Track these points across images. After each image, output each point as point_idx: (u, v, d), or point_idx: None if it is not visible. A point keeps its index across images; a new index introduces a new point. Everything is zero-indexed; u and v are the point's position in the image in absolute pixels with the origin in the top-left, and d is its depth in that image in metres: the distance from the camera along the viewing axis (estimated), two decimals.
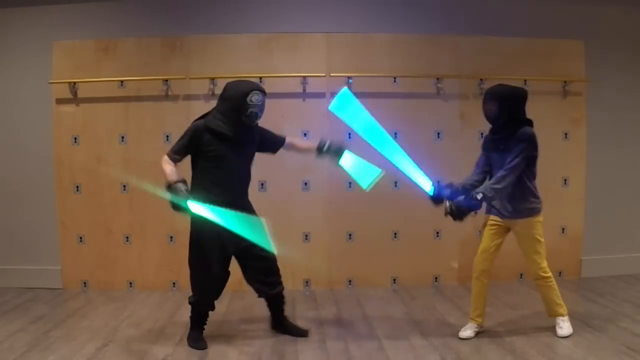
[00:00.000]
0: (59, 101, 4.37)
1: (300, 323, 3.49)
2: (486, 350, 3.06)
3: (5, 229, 4.48)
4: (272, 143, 3.34)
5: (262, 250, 3.13)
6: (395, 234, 4.49)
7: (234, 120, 3.03)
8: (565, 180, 4.51)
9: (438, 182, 3.18)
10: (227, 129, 3.02)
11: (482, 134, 4.45)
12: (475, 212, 3.06)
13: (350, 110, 3.15)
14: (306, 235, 4.40)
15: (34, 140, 4.41)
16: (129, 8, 4.39)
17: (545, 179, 4.39)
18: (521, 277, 4.60)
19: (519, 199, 3.11)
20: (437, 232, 4.52)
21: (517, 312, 3.74)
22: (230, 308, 3.95)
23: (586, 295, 4.04)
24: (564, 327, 3.23)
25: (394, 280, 4.52)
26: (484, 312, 3.31)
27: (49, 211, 4.41)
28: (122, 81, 4.33)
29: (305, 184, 4.42)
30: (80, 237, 4.43)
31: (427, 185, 3.15)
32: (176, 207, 2.92)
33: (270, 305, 3.36)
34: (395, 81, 4.40)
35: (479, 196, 2.96)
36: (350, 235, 4.47)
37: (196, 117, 4.29)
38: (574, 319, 3.36)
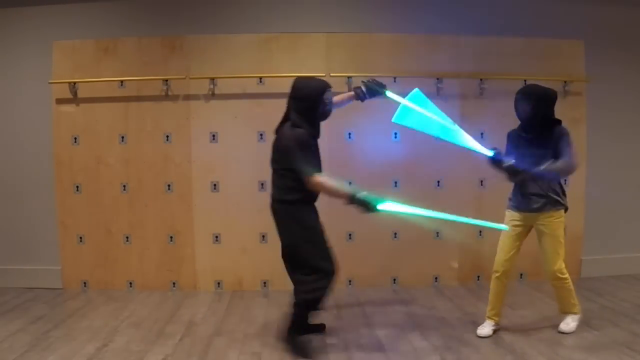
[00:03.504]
0: (59, 101, 4.37)
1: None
2: (486, 350, 3.06)
3: (5, 229, 4.49)
4: None
5: None
6: (395, 234, 4.49)
7: (312, 119, 2.98)
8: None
9: (497, 148, 3.24)
10: (315, 130, 3.01)
11: (482, 134, 4.49)
12: (533, 176, 3.09)
13: (417, 111, 3.26)
14: None
15: (34, 140, 4.41)
16: (129, 8, 4.39)
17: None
18: (521, 277, 4.60)
19: (549, 192, 3.16)
20: (437, 232, 4.52)
21: (517, 312, 3.74)
22: (230, 308, 3.95)
23: (586, 295, 4.03)
24: (571, 324, 3.26)
25: (394, 280, 4.52)
26: (501, 310, 3.34)
27: (49, 211, 4.41)
28: (122, 81, 4.33)
29: None
30: (80, 237, 4.43)
31: (487, 151, 3.22)
32: (368, 210, 2.85)
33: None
34: (395, 81, 4.39)
35: (541, 167, 3.01)
36: (350, 235, 4.46)
37: (196, 117, 4.36)
38: (572, 319, 3.36)
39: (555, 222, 3.19)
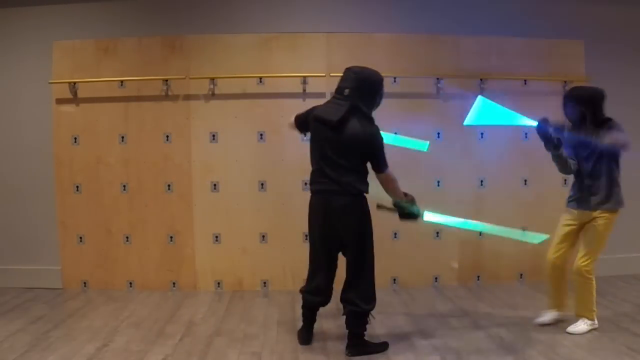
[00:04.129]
0: (59, 101, 4.37)
1: (301, 323, 3.48)
2: (486, 350, 3.06)
3: (5, 229, 4.49)
4: None
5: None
6: (395, 234, 4.49)
7: (371, 110, 2.98)
8: (565, 180, 4.50)
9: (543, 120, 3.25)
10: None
11: (482, 134, 4.49)
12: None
13: (486, 114, 3.33)
14: (306, 236, 4.39)
15: (34, 140, 4.41)
16: (129, 8, 4.39)
17: (545, 179, 4.42)
18: (521, 277, 4.60)
19: (607, 189, 3.19)
20: (437, 232, 4.52)
21: (517, 312, 3.74)
22: (230, 308, 3.95)
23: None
24: (580, 326, 3.26)
25: (394, 280, 4.52)
26: (564, 302, 3.39)
27: (49, 211, 4.41)
28: (122, 81, 4.33)
29: (306, 184, 4.41)
30: (80, 237, 4.43)
31: (532, 122, 3.28)
32: (409, 218, 3.12)
33: (313, 314, 3.27)
34: (395, 81, 4.39)
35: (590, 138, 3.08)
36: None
37: (196, 117, 4.36)
38: (573, 318, 3.36)
39: (604, 223, 3.21)
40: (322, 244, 3.08)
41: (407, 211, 3.09)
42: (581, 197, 3.28)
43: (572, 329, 3.26)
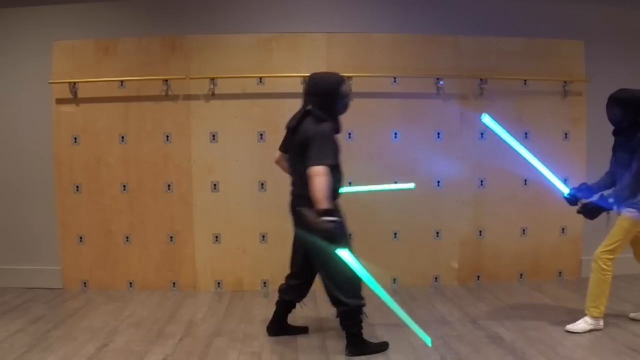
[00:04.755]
0: (59, 101, 4.37)
1: (301, 323, 3.49)
2: (486, 350, 3.06)
3: (5, 229, 4.49)
4: None
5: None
6: (395, 234, 4.49)
7: (332, 113, 2.97)
8: (565, 180, 4.49)
9: (575, 188, 3.44)
10: (337, 125, 2.99)
11: (482, 134, 4.49)
12: (608, 212, 3.27)
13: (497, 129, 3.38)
14: None
15: (34, 140, 4.41)
16: (129, 8, 4.39)
17: (544, 179, 4.40)
18: (521, 277, 4.60)
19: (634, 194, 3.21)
20: (437, 232, 4.52)
21: (517, 312, 3.74)
22: (230, 308, 3.95)
23: (586, 295, 4.03)
24: (580, 326, 3.26)
25: (394, 280, 4.52)
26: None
27: (49, 211, 4.41)
28: (122, 81, 4.33)
29: None
30: (80, 237, 4.43)
31: (563, 188, 3.41)
32: (326, 238, 2.76)
33: (281, 308, 3.32)
34: (395, 81, 4.40)
35: (611, 199, 3.19)
36: (350, 235, 4.45)
37: (196, 117, 4.36)
38: (574, 318, 3.36)
39: (623, 219, 3.26)
40: (293, 243, 3.24)
41: (327, 230, 2.72)
42: None
43: (571, 327, 3.26)
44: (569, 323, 3.32)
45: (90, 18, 4.36)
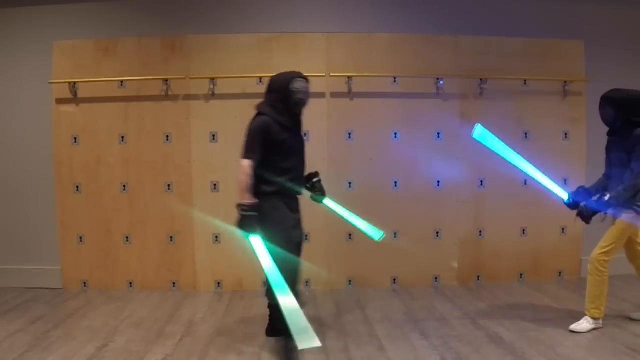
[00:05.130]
0: (59, 101, 4.37)
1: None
2: (486, 350, 3.06)
3: (5, 229, 4.49)
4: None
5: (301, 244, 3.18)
6: (395, 234, 4.49)
7: (283, 109, 3.03)
8: (565, 180, 4.50)
9: (572, 192, 3.45)
10: (285, 119, 3.03)
11: None
12: (605, 214, 3.25)
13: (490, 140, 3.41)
14: (306, 236, 4.39)
15: (34, 140, 4.41)
16: (129, 8, 4.39)
17: (544, 185, 4.41)
18: (521, 277, 4.60)
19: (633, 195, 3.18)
20: (437, 232, 4.52)
21: (517, 312, 3.74)
22: (230, 308, 3.95)
23: (585, 297, 4.03)
24: (583, 326, 3.26)
25: (394, 280, 4.52)
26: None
27: (49, 211, 4.41)
28: (122, 81, 4.33)
29: None
30: (80, 237, 4.43)
31: (563, 194, 3.42)
32: (240, 228, 2.88)
33: (273, 310, 3.30)
34: (395, 81, 4.40)
35: (611, 201, 3.14)
36: (350, 235, 4.46)
37: (196, 117, 4.36)
38: (574, 318, 3.36)
39: (620, 222, 3.25)
40: None
41: (241, 220, 2.87)
42: None
43: (575, 327, 3.27)
44: (569, 323, 3.33)
45: (90, 18, 4.36)
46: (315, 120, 4.34)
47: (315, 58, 4.36)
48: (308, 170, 3.26)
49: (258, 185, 3.00)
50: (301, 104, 3.07)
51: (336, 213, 3.36)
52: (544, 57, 4.50)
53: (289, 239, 3.02)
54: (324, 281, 4.45)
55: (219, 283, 4.44)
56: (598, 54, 4.53)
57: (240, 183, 2.93)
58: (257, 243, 2.86)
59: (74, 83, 4.31)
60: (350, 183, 4.43)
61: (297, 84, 3.02)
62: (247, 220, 2.87)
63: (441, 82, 4.39)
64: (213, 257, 4.42)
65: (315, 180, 3.30)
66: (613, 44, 4.59)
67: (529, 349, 3.04)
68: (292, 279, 2.96)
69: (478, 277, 4.57)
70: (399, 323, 3.57)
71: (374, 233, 3.34)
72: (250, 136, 2.99)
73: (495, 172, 4.48)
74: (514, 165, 3.40)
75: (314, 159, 4.38)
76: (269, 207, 3.00)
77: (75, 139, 4.38)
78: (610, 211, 3.23)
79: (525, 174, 3.45)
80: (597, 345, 3.07)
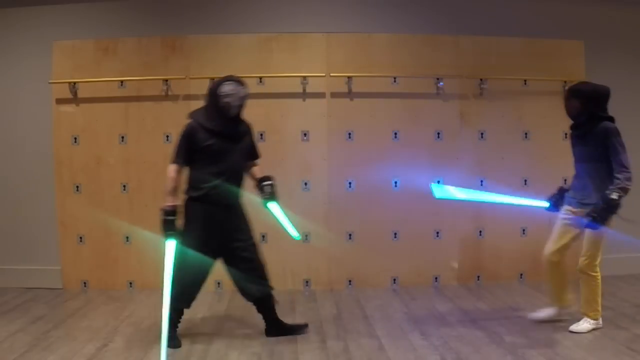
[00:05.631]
0: (59, 101, 4.37)
1: (299, 323, 3.48)
2: (486, 350, 3.06)
3: (5, 229, 4.49)
4: (249, 153, 3.29)
5: (244, 251, 3.17)
6: (395, 234, 4.49)
7: (213, 113, 3.07)
8: (565, 180, 4.50)
9: (551, 197, 3.43)
10: (214, 123, 3.05)
11: (482, 134, 4.50)
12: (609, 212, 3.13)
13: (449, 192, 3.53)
14: (306, 235, 4.40)
15: (34, 140, 4.42)
16: (129, 8, 4.39)
17: (544, 179, 4.42)
18: (521, 277, 4.60)
19: (603, 189, 3.11)
20: (437, 232, 4.52)
21: (517, 312, 3.74)
22: (230, 308, 3.95)
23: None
24: (582, 325, 3.25)
25: (394, 280, 4.52)
26: (567, 297, 3.39)
27: (49, 211, 4.41)
28: (122, 81, 4.33)
29: (305, 184, 4.42)
30: (80, 237, 4.43)
31: (542, 204, 3.44)
32: (162, 230, 3.01)
33: (260, 309, 3.32)
34: (395, 81, 4.40)
35: (616, 196, 3.04)
36: (350, 235, 4.46)
37: None
38: (573, 318, 3.36)
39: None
40: None
41: (163, 223, 3.02)
42: (580, 195, 3.32)
43: (575, 327, 3.26)
44: (569, 323, 3.32)
45: (90, 18, 4.36)
46: (315, 120, 4.35)
47: (315, 58, 4.36)
48: (265, 173, 3.33)
49: (187, 189, 3.11)
50: (229, 107, 3.05)
51: (276, 219, 3.34)
52: (543, 57, 4.50)
53: (197, 251, 3.05)
54: (324, 281, 4.45)
55: (218, 283, 4.44)
56: (598, 54, 4.53)
57: (166, 188, 3.06)
58: (170, 247, 2.97)
59: (74, 83, 4.31)
60: (350, 183, 4.43)
61: (225, 88, 3.03)
62: (166, 223, 2.99)
63: (441, 82, 4.39)
64: None
65: (264, 183, 3.27)
66: (613, 44, 4.59)
67: (529, 349, 3.03)
68: (179, 292, 3.02)
69: (478, 277, 4.57)
70: (399, 323, 3.57)
71: (293, 232, 3.39)
72: (178, 141, 3.10)
73: (495, 171, 4.50)
74: (485, 202, 3.58)
75: (314, 159, 4.40)
76: (190, 213, 3.10)
77: (75, 139, 4.38)
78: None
79: (500, 203, 3.59)
80: (597, 345, 3.06)
